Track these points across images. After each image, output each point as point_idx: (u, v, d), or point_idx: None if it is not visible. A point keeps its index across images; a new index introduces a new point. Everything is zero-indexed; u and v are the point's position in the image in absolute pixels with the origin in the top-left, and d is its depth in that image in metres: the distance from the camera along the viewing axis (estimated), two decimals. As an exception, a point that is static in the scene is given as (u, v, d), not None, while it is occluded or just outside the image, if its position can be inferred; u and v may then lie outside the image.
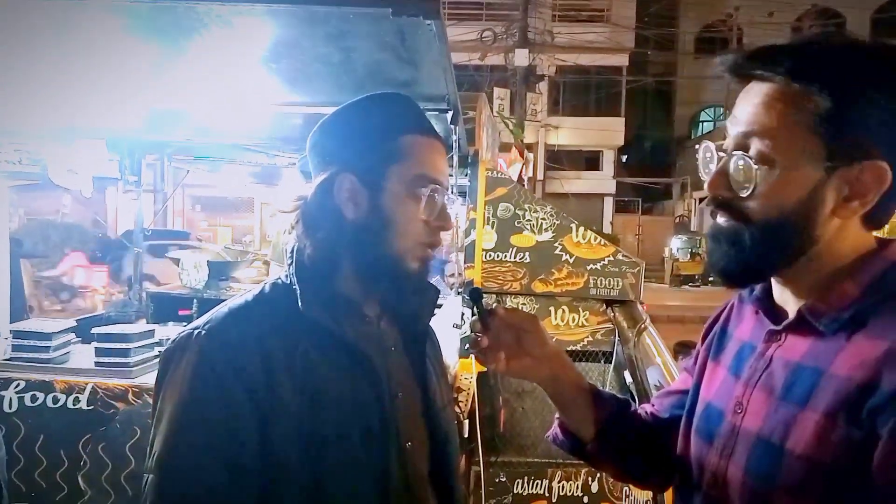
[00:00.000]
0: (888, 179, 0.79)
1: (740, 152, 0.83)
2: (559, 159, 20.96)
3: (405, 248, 1.05)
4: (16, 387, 2.41)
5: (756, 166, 0.82)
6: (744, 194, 0.84)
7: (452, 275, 3.07)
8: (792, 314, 0.88)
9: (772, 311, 0.93)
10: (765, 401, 0.86)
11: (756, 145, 0.82)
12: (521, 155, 9.89)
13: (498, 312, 1.09)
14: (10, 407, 2.39)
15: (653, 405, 1.17)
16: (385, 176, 1.04)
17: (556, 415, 1.17)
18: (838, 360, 0.79)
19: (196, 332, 0.99)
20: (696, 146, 0.92)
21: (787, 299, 0.91)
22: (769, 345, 0.90)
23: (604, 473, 2.74)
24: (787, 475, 0.80)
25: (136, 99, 2.47)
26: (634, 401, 1.20)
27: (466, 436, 2.56)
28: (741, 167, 0.83)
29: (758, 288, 0.95)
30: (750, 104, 0.84)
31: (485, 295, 2.76)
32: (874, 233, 0.88)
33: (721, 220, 0.88)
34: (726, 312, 1.06)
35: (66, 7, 1.58)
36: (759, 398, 0.87)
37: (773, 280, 0.92)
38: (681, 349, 4.59)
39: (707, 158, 0.89)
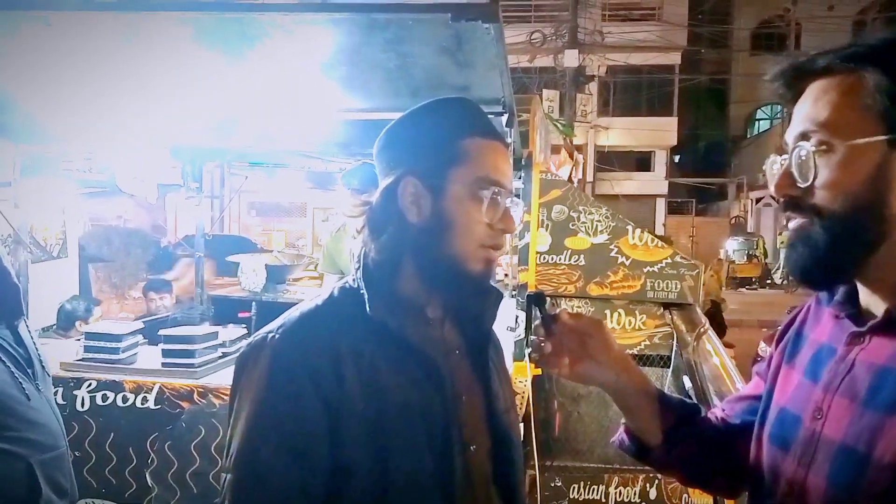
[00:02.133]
0: None
1: (801, 143, 0.83)
2: (609, 160, 20.67)
3: (467, 251, 1.06)
4: (88, 386, 2.51)
5: (815, 150, 0.81)
6: (806, 184, 0.82)
7: (506, 276, 3.07)
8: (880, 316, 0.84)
9: (856, 315, 0.88)
10: (847, 406, 0.83)
11: (815, 136, 0.81)
12: (571, 156, 9.79)
13: (562, 317, 1.08)
14: (83, 406, 2.50)
15: (723, 410, 1.14)
16: (447, 179, 1.05)
17: (623, 419, 1.16)
18: None
19: (270, 335, 1.02)
20: (763, 155, 0.91)
21: (875, 302, 0.86)
22: (851, 347, 0.86)
23: (663, 479, 2.69)
24: (874, 485, 0.76)
25: (200, 107, 2.55)
26: None
27: (521, 439, 2.54)
28: (802, 159, 0.82)
29: (840, 292, 0.91)
30: (805, 104, 0.84)
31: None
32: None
33: (793, 224, 0.86)
34: (802, 315, 1.02)
35: (134, 19, 1.64)
36: (842, 404, 0.84)
37: (858, 283, 0.88)
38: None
39: (774, 170, 0.88)
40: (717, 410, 1.15)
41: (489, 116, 2.18)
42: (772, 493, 0.92)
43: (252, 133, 3.02)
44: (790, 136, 0.85)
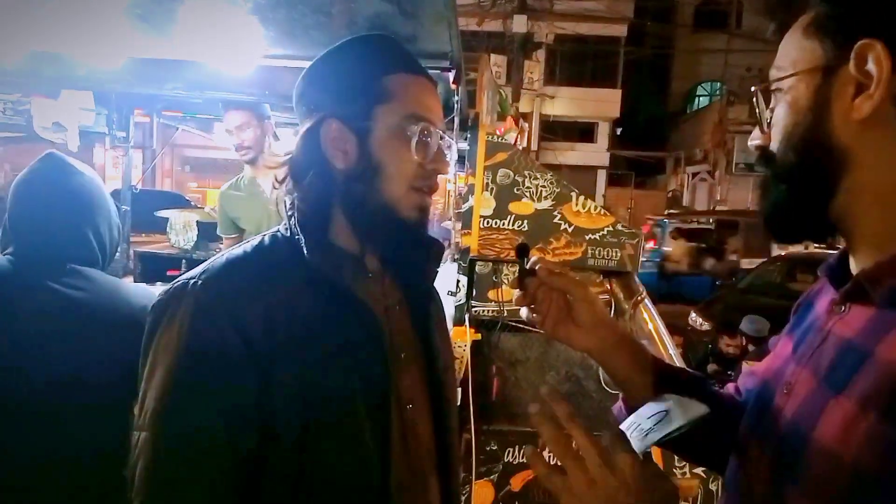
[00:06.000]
0: (886, 57, 0.68)
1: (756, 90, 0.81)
2: (554, 130, 20.81)
3: (399, 195, 1.00)
4: None
5: (764, 91, 0.79)
6: (766, 131, 0.80)
7: (447, 241, 3.01)
8: None
9: (844, 280, 0.79)
10: (808, 382, 0.76)
11: (773, 80, 0.79)
12: (517, 124, 9.78)
13: (540, 273, 1.00)
14: None
15: (736, 385, 1.06)
16: (372, 118, 0.98)
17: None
18: (888, 339, 0.67)
19: (191, 281, 0.94)
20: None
21: (855, 265, 0.79)
22: (830, 317, 0.78)
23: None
24: (806, 471, 0.70)
25: (125, 47, 2.37)
26: None
27: (458, 403, 2.53)
28: (760, 105, 0.80)
29: (834, 256, 0.84)
30: None
31: (480, 263, 2.72)
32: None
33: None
34: (820, 284, 0.92)
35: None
36: (805, 378, 0.77)
37: (846, 243, 0.81)
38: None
39: None
40: (732, 385, 1.08)
41: (436, 72, 2.12)
42: (735, 471, 0.86)
43: (183, 80, 2.84)
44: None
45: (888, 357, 0.66)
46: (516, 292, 1.03)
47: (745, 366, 3.15)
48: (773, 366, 0.89)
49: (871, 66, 0.69)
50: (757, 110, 0.80)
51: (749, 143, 0.83)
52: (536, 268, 1.02)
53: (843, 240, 0.80)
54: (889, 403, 0.63)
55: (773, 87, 0.78)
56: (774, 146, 0.79)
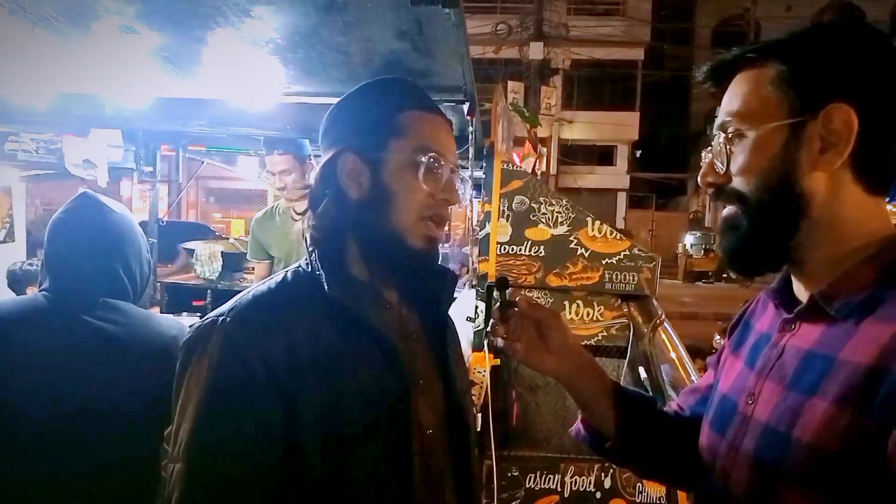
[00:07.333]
0: (855, 120, 0.79)
1: (718, 132, 0.90)
2: (572, 154, 20.85)
3: (408, 223, 1.05)
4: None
5: (728, 139, 0.87)
6: (724, 172, 0.89)
7: (465, 267, 3.04)
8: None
9: (789, 302, 0.92)
10: (775, 390, 0.85)
11: (729, 126, 0.88)
12: (535, 149, 9.85)
13: (521, 304, 1.10)
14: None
15: (678, 403, 1.16)
16: (386, 151, 1.04)
17: (580, 411, 1.17)
18: (848, 345, 0.78)
19: (221, 319, 0.99)
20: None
21: (801, 288, 0.90)
22: (783, 334, 0.89)
23: (618, 468, 2.72)
24: (793, 465, 0.78)
25: (152, 87, 2.46)
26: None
27: (479, 429, 2.54)
28: (719, 148, 0.89)
29: (776, 280, 0.96)
30: (725, 98, 0.91)
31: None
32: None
33: (724, 212, 0.91)
34: (752, 306, 1.05)
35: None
36: (770, 388, 0.86)
37: (790, 271, 0.92)
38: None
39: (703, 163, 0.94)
40: (674, 403, 1.17)
41: (450, 104, 2.19)
42: (708, 477, 0.94)
43: (207, 117, 2.94)
44: (714, 128, 0.92)
45: (853, 359, 0.76)
46: (492, 322, 1.12)
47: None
48: (727, 382, 0.98)
49: (838, 126, 0.80)
50: (723, 153, 0.89)
51: (701, 179, 0.93)
52: (516, 299, 1.11)
53: (791, 267, 0.91)
54: (862, 399, 0.73)
55: (733, 131, 0.88)
56: (741, 186, 0.88)
